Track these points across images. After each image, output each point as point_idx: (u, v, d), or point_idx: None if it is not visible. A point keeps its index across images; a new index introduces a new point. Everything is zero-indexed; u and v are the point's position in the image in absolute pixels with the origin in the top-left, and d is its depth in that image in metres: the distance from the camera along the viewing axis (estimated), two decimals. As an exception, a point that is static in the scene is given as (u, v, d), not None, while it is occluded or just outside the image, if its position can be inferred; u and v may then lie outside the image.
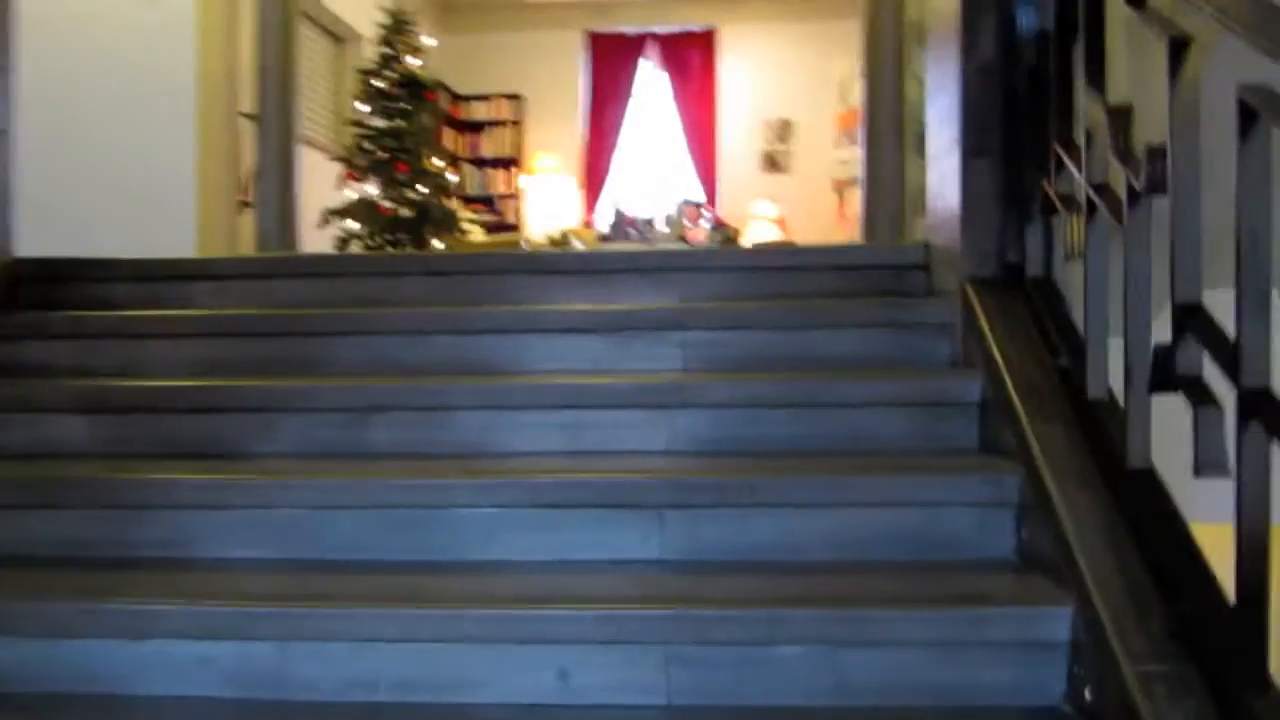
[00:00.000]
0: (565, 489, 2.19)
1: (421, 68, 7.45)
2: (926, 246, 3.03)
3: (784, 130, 10.96)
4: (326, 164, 7.84)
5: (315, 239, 7.19)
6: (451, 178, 7.58)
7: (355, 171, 7.25)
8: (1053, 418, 2.06)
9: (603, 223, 11.06)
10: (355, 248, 7.20)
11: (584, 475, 2.26)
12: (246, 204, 6.01)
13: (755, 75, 10.99)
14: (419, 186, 7.22)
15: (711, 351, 2.78)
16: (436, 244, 7.28)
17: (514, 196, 10.97)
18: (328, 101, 8.75)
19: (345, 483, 2.24)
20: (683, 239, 9.58)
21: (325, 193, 7.30)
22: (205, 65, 5.72)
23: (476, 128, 10.99)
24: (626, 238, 9.68)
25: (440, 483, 2.23)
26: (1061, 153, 2.21)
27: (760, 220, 10.76)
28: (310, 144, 7.90)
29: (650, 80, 11.21)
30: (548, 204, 10.86)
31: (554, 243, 10.06)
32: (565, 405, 2.50)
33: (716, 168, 11.00)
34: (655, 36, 11.03)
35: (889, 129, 5.35)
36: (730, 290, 3.14)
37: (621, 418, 2.47)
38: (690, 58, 10.99)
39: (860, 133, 8.54)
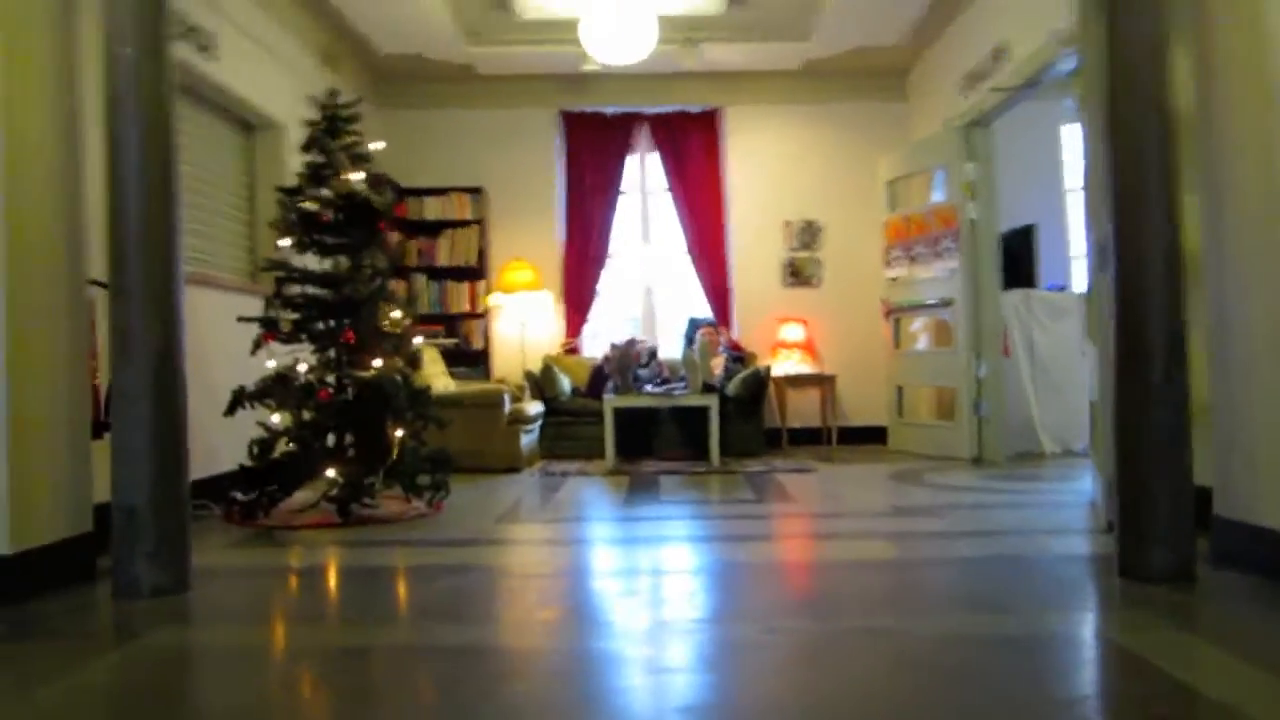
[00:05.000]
0: None
1: (366, 182, 5.21)
2: None
3: (809, 234, 8.93)
4: (234, 302, 5.56)
5: (222, 434, 4.94)
6: (417, 340, 5.33)
7: (276, 333, 4.97)
8: None
9: (591, 346, 8.90)
10: (281, 446, 4.91)
11: None
12: (105, 426, 3.72)
13: (770, 166, 8.97)
14: (374, 361, 4.96)
15: None
16: (398, 433, 5.02)
17: (479, 315, 8.71)
18: (237, 213, 6.45)
19: None
20: (710, 386, 7.43)
21: (236, 350, 5.02)
22: (16, 211, 3.44)
23: (430, 229, 8.73)
24: (635, 384, 7.48)
25: None
26: None
27: (789, 348, 8.70)
28: (208, 284, 5.62)
29: (644, 170, 9.11)
30: (519, 323, 8.64)
31: (534, 382, 7.86)
32: None
33: (729, 278, 8.91)
34: (646, 118, 8.94)
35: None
36: None
37: None
38: (689, 144, 8.93)
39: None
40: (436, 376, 7.28)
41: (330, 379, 4.99)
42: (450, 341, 8.59)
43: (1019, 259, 7.80)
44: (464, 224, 8.71)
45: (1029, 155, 8.60)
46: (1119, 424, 3.42)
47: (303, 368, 4.89)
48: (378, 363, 4.96)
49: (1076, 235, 8.95)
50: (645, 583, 3.49)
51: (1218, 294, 3.61)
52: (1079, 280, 8.81)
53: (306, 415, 4.91)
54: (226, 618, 3.12)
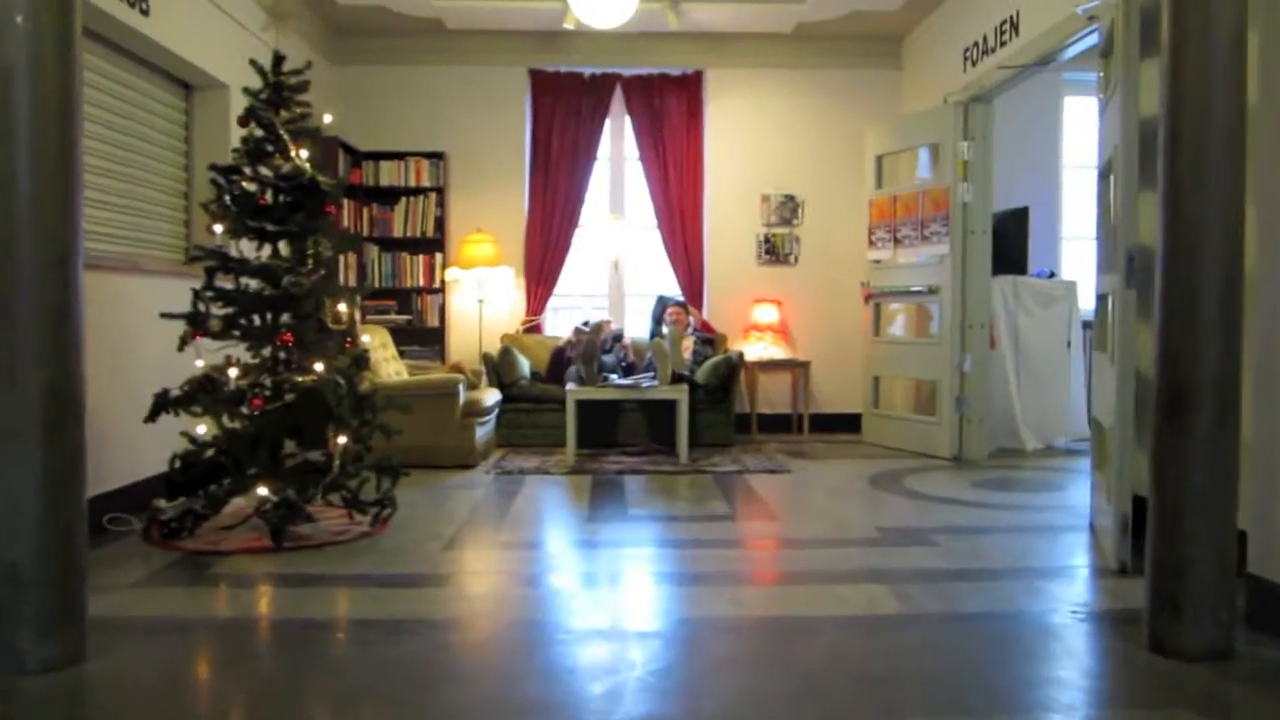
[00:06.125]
0: None
1: (312, 160, 4.67)
2: None
3: (789, 209, 8.46)
4: (165, 288, 4.99)
5: (147, 436, 4.48)
6: (365, 339, 4.83)
7: (205, 330, 4.45)
8: None
9: (553, 323, 8.44)
10: (209, 455, 4.41)
11: None
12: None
13: (751, 135, 8.45)
14: (315, 364, 4.46)
15: None
16: (340, 440, 4.52)
17: (436, 290, 8.17)
18: (173, 184, 5.87)
19: None
20: (683, 377, 7.01)
21: (167, 343, 4.46)
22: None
23: (386, 197, 8.15)
24: (599, 373, 7.00)
25: None
26: None
27: (762, 330, 8.27)
28: (135, 270, 5.08)
29: (616, 136, 8.56)
30: (477, 299, 8.11)
31: (492, 366, 7.39)
32: None
33: (703, 254, 8.43)
34: (624, 80, 8.37)
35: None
36: None
37: None
38: (667, 109, 8.38)
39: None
40: (386, 361, 6.78)
41: (267, 382, 4.48)
42: (401, 319, 8.06)
43: (1010, 243, 7.37)
44: (422, 191, 8.14)
45: (1025, 129, 8.07)
46: (1156, 479, 3.02)
47: (234, 372, 4.37)
48: (319, 366, 4.45)
49: (1070, 216, 8.54)
50: (609, 653, 3.05)
51: (1271, 317, 3.21)
52: (1069, 265, 8.42)
53: (236, 424, 4.41)
54: (122, 710, 2.64)
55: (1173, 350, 3.01)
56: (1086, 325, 7.70)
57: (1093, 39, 5.23)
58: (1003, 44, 6.20)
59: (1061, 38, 5.48)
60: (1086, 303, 7.58)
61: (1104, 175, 4.62)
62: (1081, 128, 8.55)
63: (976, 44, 6.63)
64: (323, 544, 4.34)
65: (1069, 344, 7.48)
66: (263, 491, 4.33)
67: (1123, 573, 3.86)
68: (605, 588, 3.83)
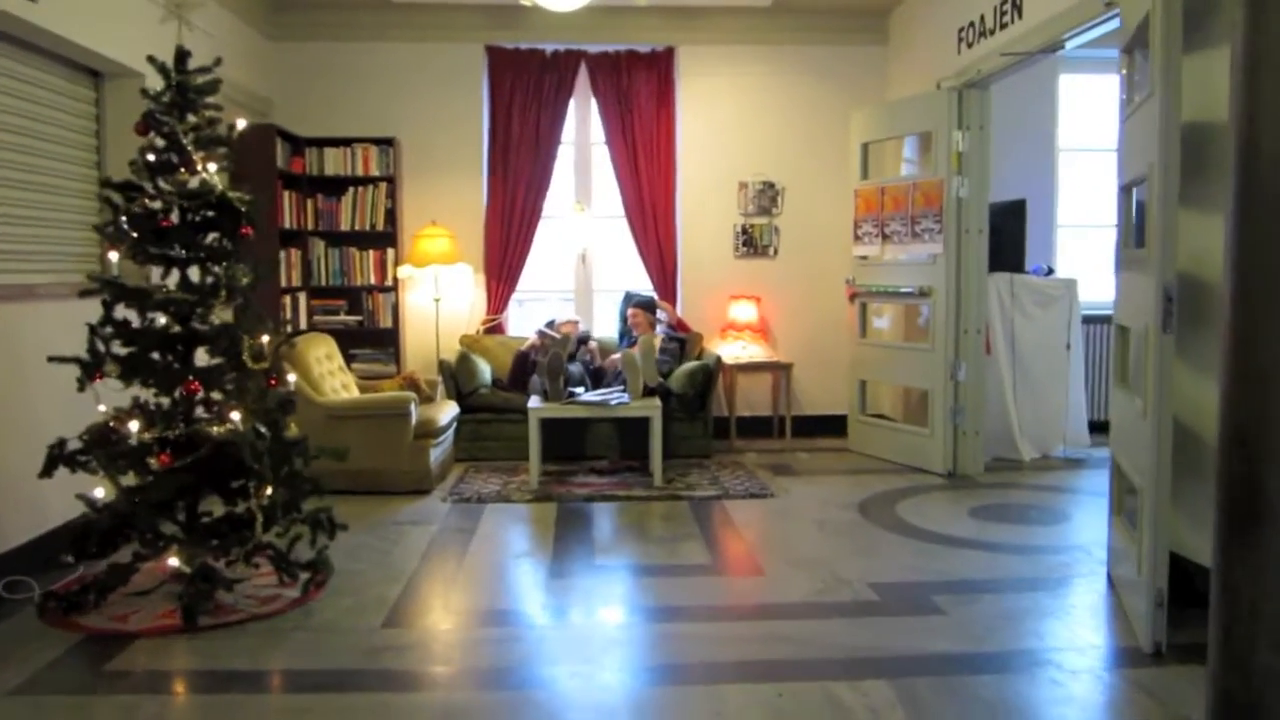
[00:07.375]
0: None
1: (225, 173, 4.06)
2: None
3: (767, 198, 7.89)
4: (69, 313, 4.36)
5: (51, 483, 3.91)
6: (291, 378, 4.23)
7: (103, 372, 3.85)
8: None
9: (516, 320, 7.87)
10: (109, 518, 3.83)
11: None
12: None
13: (727, 117, 7.85)
14: (232, 413, 3.87)
15: None
16: (267, 491, 3.94)
17: (389, 289, 7.55)
18: (81, 185, 5.21)
19: None
20: (655, 390, 6.46)
21: (71, 380, 3.84)
22: None
23: (331, 187, 7.49)
24: (565, 387, 6.43)
25: None
26: None
27: (740, 329, 7.74)
28: (30, 296, 4.46)
29: (581, 119, 7.93)
30: (434, 297, 7.50)
31: (450, 374, 6.81)
32: None
33: (676, 246, 7.84)
34: (589, 57, 7.73)
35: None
36: None
37: None
38: (636, 89, 7.75)
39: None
40: (331, 374, 6.18)
41: (180, 430, 3.89)
42: (352, 320, 7.46)
43: (1005, 239, 6.82)
44: (371, 181, 7.49)
45: (1018, 111, 7.43)
46: (1223, 599, 2.50)
47: (135, 425, 3.78)
48: (236, 415, 3.87)
49: (1067, 204, 8.02)
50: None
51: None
52: (1065, 258, 7.91)
53: (138, 481, 3.83)
54: None
55: (1242, 435, 2.47)
56: (1087, 321, 7.24)
57: (1111, 24, 4.68)
58: (1003, 26, 5.63)
59: (1072, 23, 4.93)
60: (1086, 297, 7.11)
61: (1126, 189, 4.10)
62: (1078, 108, 8.01)
63: (973, 24, 6.06)
64: (245, 619, 3.79)
65: (1068, 346, 6.98)
66: (174, 562, 3.77)
67: (1158, 656, 3.39)
68: (559, 693, 3.27)
